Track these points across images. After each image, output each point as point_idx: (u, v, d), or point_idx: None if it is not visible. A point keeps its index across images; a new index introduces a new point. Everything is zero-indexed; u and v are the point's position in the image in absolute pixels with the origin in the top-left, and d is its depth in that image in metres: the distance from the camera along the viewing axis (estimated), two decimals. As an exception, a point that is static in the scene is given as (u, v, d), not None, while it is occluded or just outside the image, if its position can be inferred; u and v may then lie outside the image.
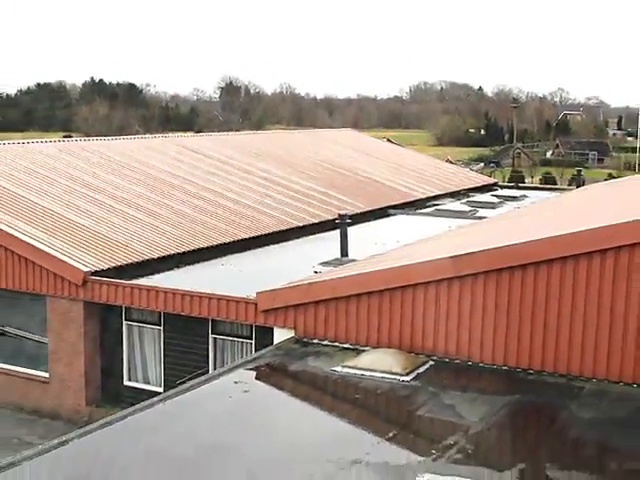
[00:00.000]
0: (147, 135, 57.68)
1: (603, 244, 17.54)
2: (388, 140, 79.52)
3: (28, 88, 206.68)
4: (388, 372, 18.19)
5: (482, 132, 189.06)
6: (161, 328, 26.39)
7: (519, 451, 15.02)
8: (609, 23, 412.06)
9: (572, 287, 17.92)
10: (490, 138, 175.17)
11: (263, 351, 20.55)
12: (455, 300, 18.97)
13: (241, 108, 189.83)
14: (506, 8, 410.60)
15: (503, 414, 16.36)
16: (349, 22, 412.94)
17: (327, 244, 31.95)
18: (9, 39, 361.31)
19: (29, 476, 13.44)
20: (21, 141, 40.87)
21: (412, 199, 46.67)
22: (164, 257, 29.00)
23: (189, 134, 61.64)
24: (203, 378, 18.66)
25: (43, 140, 42.33)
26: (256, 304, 22.20)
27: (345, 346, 20.16)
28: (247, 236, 33.21)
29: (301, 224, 36.48)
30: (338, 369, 18.63)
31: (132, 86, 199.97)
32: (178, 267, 28.91)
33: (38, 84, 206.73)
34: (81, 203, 31.78)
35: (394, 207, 43.86)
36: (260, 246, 32.89)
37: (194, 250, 30.35)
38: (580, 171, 63.26)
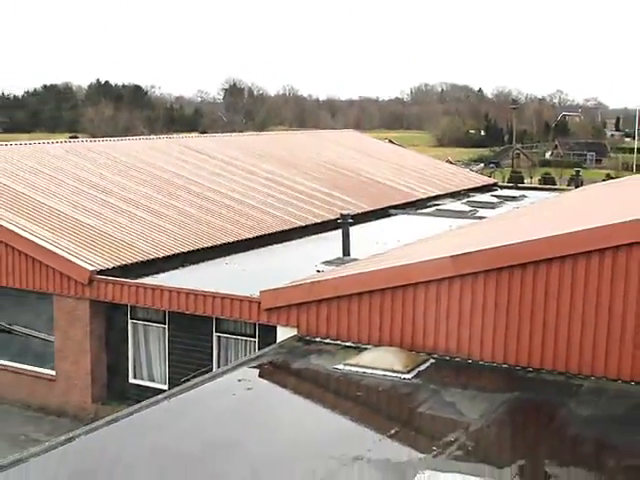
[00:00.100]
0: (152, 136, 57.66)
1: (601, 244, 17.54)
2: (389, 141, 79.47)
3: (35, 90, 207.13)
4: (389, 370, 18.20)
5: (482, 133, 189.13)
6: (166, 326, 26.39)
7: (518, 448, 15.02)
8: (607, 26, 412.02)
9: (571, 286, 17.92)
10: (490, 139, 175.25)
11: (266, 349, 20.56)
12: (455, 299, 18.97)
13: (245, 109, 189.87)
14: (506, 11, 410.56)
15: (503, 411, 16.36)
16: (351, 24, 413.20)
17: (329, 244, 31.95)
18: (16, 41, 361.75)
19: (36, 472, 13.47)
20: (28, 142, 40.89)
21: (413, 199, 46.65)
22: (169, 256, 29.00)
23: (193, 135, 61.63)
24: (207, 376, 18.68)
25: (50, 141, 42.37)
26: (259, 303, 22.20)
27: (347, 344, 20.16)
28: (251, 236, 33.22)
29: (304, 224, 36.48)
30: (340, 367, 18.63)
31: (137, 88, 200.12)
32: (183, 266, 28.91)
33: (45, 86, 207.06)
34: (87, 203, 31.79)
35: (395, 207, 43.85)
36: (263, 246, 32.89)
37: (198, 249, 30.35)
38: (578, 171, 63.24)
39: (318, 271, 26.12)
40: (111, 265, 26.94)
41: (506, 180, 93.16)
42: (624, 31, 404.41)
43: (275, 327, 21.59)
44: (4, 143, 39.73)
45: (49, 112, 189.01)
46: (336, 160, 50.98)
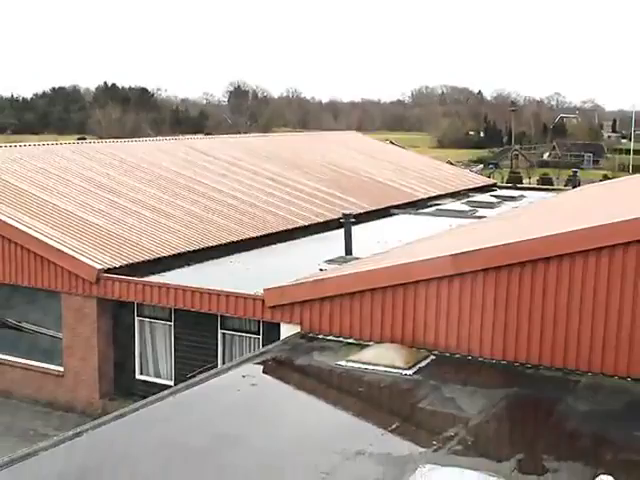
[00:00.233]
0: (158, 137, 57.65)
1: (598, 242, 17.54)
2: (391, 142, 79.55)
3: (44, 92, 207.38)
4: (391, 366, 18.20)
5: (481, 135, 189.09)
6: (172, 324, 26.41)
7: (517, 442, 15.01)
8: (604, 30, 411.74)
9: (568, 284, 17.92)
10: (489, 140, 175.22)
11: (270, 346, 20.57)
12: (455, 297, 18.97)
13: (249, 111, 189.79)
14: (506, 15, 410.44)
15: (502, 407, 16.36)
16: (353, 28, 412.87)
17: (332, 243, 31.93)
18: (25, 45, 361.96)
19: (45, 466, 13.49)
20: (37, 143, 40.87)
21: (414, 199, 46.64)
22: (175, 255, 29.01)
23: (199, 136, 61.53)
24: (212, 372, 18.68)
25: (58, 142, 42.39)
26: (263, 300, 22.21)
27: (349, 341, 20.16)
28: (255, 235, 33.22)
29: (307, 223, 36.47)
30: (342, 363, 18.64)
31: (144, 90, 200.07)
32: (188, 265, 28.91)
33: (53, 88, 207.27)
34: (95, 203, 31.81)
35: (397, 207, 43.84)
36: (267, 245, 32.88)
37: (203, 248, 30.36)
38: (576, 172, 63.05)
39: (321, 269, 26.12)
40: (118, 264, 26.96)
41: (505, 180, 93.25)
42: (620, 35, 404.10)
43: (279, 324, 21.59)
44: (14, 144, 39.79)
45: (57, 114, 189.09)
46: (338, 161, 50.97)
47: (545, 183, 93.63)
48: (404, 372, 18.00)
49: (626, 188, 35.49)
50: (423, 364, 18.57)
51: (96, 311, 26.79)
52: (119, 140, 46.40)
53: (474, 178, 61.59)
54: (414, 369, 18.20)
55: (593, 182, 67.40)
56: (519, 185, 71.16)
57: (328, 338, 20.46)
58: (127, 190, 34.51)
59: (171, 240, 29.93)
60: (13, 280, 28.17)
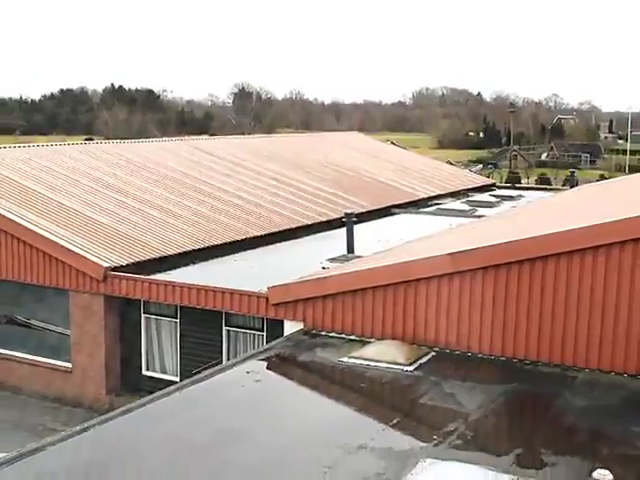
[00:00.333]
0: (164, 138, 57.66)
1: (595, 241, 17.54)
2: (392, 143, 79.46)
3: (52, 94, 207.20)
4: (392, 362, 18.20)
5: (481, 135, 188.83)
6: (177, 321, 26.41)
7: (516, 437, 15.02)
8: (601, 33, 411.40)
9: (566, 282, 17.92)
10: (488, 141, 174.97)
11: (274, 342, 20.57)
12: (455, 294, 18.97)
13: (253, 113, 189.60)
14: (505, 18, 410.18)
15: (501, 402, 16.36)
16: (355, 31, 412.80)
17: (334, 241, 31.95)
18: (33, 47, 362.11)
19: (53, 460, 13.51)
20: (45, 144, 40.88)
21: (415, 199, 46.62)
22: (180, 254, 29.03)
23: (204, 137, 61.47)
24: (217, 368, 18.69)
25: (66, 143, 42.41)
26: (267, 298, 22.23)
27: (351, 338, 20.16)
28: (259, 234, 33.23)
29: (309, 222, 36.47)
30: (345, 359, 18.64)
31: (150, 92, 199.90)
32: (193, 263, 28.92)
33: (61, 90, 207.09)
34: (102, 202, 31.82)
35: (398, 206, 43.82)
36: (271, 243, 32.89)
37: (209, 247, 30.37)
38: (574, 172, 63.04)
39: (323, 268, 26.12)
40: (125, 262, 26.98)
41: (504, 180, 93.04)
42: (617, 38, 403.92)
43: (282, 321, 21.60)
44: (22, 145, 39.82)
45: (65, 115, 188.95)
46: (340, 161, 50.96)
47: (543, 183, 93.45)
48: (405, 368, 18.00)
49: (622, 188, 35.46)
50: (424, 360, 18.57)
51: (103, 308, 26.81)
52: (126, 141, 46.40)
53: (473, 178, 61.55)
54: (415, 365, 18.20)
55: (590, 182, 67.34)
56: (518, 185, 71.02)
57: (331, 335, 20.46)
58: (134, 190, 34.52)
59: (177, 239, 29.95)
60: (22, 278, 28.20)
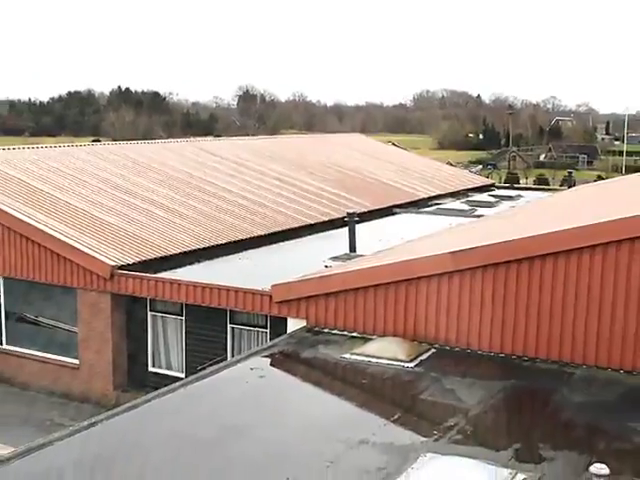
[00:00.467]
0: (170, 139, 57.67)
1: (592, 240, 17.53)
2: (393, 144, 79.28)
3: (60, 96, 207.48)
4: (393, 359, 18.20)
5: (480, 137, 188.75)
6: (183, 318, 26.40)
7: (514, 432, 15.02)
8: (599, 36, 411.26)
9: (564, 280, 17.91)
10: (487, 142, 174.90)
11: (277, 340, 20.57)
12: (455, 292, 18.96)
13: (257, 114, 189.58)
14: (504, 22, 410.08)
15: (500, 398, 16.35)
16: (358, 35, 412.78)
17: (336, 240, 31.92)
18: (42, 51, 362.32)
19: (61, 455, 13.51)
20: (53, 145, 40.88)
21: (415, 199, 46.58)
22: (185, 252, 29.02)
23: (209, 138, 61.58)
24: (222, 364, 18.69)
25: (74, 144, 42.40)
26: (271, 296, 22.22)
27: (353, 335, 20.16)
28: (262, 233, 33.21)
29: (312, 222, 36.45)
30: (347, 356, 18.63)
31: (156, 94, 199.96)
32: (198, 262, 28.91)
33: (69, 92, 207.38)
34: (109, 202, 31.82)
35: (399, 206, 43.79)
36: (274, 242, 32.87)
37: (213, 246, 30.36)
38: (571, 173, 63.02)
39: (326, 266, 26.11)
40: (131, 261, 26.98)
41: (503, 181, 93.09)
42: (614, 41, 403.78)
43: (286, 319, 21.59)
44: (31, 146, 39.81)
45: (73, 117, 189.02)
46: (343, 162, 50.93)
47: (541, 183, 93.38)
48: (406, 365, 18.00)
49: (619, 188, 35.44)
50: (424, 357, 18.56)
51: (110, 306, 26.81)
52: (132, 142, 46.40)
53: (473, 178, 61.48)
54: (415, 362, 18.19)
55: (587, 182, 67.23)
56: (516, 185, 71.03)
57: (333, 332, 20.46)
58: (140, 190, 34.51)
59: (182, 238, 29.94)
60: (30, 276, 28.22)
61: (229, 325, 25.50)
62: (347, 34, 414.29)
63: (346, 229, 30.60)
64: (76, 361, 27.92)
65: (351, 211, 31.67)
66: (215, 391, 16.86)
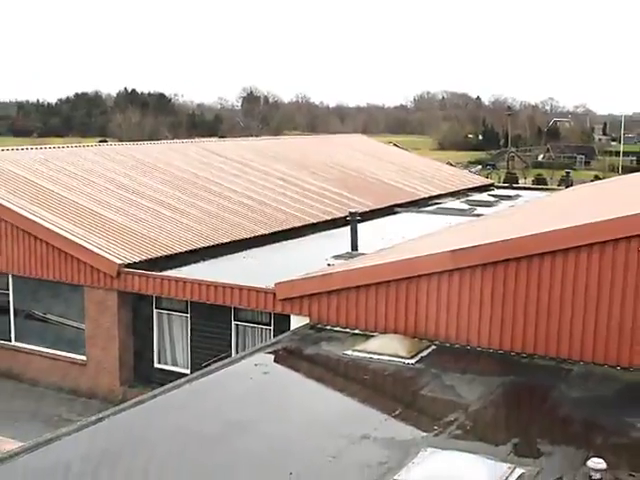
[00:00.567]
0: (175, 140, 57.67)
1: (590, 239, 17.52)
2: (394, 145, 79.25)
3: (67, 97, 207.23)
4: (394, 355, 18.20)
5: (480, 137, 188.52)
6: (188, 315, 26.42)
7: (513, 427, 15.01)
8: (596, 39, 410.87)
9: (561, 278, 17.90)
10: (487, 143, 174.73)
11: (281, 336, 20.57)
12: (455, 290, 18.96)
13: (261, 115, 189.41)
14: (503, 25, 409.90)
15: (499, 394, 16.35)
16: (359, 38, 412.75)
17: (339, 239, 31.91)
18: (49, 53, 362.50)
19: (69, 449, 13.52)
20: (61, 146, 40.90)
21: (416, 198, 46.55)
22: (191, 251, 29.03)
23: (213, 139, 61.49)
24: (226, 361, 18.68)
25: (81, 145, 42.42)
26: (274, 293, 22.22)
27: (355, 332, 20.15)
28: (266, 232, 33.21)
29: (315, 221, 36.45)
30: (349, 353, 18.63)
31: (162, 95, 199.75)
32: (203, 260, 28.92)
33: (76, 94, 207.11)
34: (115, 202, 31.84)
35: (400, 205, 43.77)
36: (278, 241, 32.87)
37: (218, 245, 30.37)
38: (569, 173, 62.90)
39: (329, 264, 26.11)
40: (137, 259, 26.99)
41: (502, 180, 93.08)
42: (611, 44, 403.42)
43: (289, 316, 21.59)
44: (39, 147, 39.84)
45: (80, 118, 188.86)
46: (345, 162, 50.92)
47: (540, 183, 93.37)
48: (407, 361, 17.99)
49: (616, 188, 35.42)
50: (425, 353, 18.56)
51: (117, 303, 26.83)
52: (138, 143, 46.41)
53: (473, 178, 61.46)
54: (416, 358, 18.19)
55: (585, 182, 67.19)
56: (515, 185, 70.99)
57: (335, 329, 20.46)
58: (146, 190, 34.53)
59: (187, 236, 29.96)
60: (39, 274, 28.25)
61: (233, 322, 25.50)
62: (349, 37, 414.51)
63: (348, 228, 30.58)
64: (83, 358, 27.95)
65: (353, 210, 31.67)
66: (220, 387, 16.87)
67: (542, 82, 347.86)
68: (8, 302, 29.64)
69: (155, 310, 27.02)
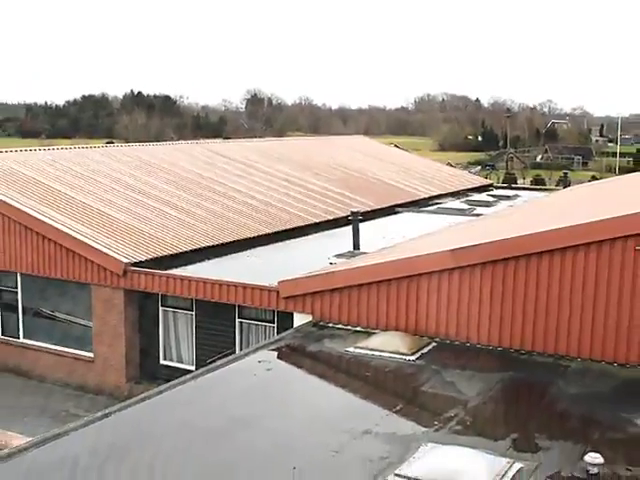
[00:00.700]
0: (181, 141, 57.69)
1: (587, 238, 17.54)
2: (395, 146, 79.20)
3: (74, 99, 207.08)
4: (395, 352, 18.21)
5: (479, 139, 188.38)
6: (193, 313, 26.41)
7: (512, 423, 15.03)
8: (593, 41, 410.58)
9: (559, 277, 17.92)
10: (486, 144, 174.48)
11: (284, 334, 20.59)
12: (455, 288, 18.97)
13: (264, 117, 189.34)
14: (502, 28, 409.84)
15: (498, 389, 16.36)
16: (361, 41, 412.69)
17: (341, 238, 31.90)
18: (57, 55, 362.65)
19: (76, 444, 13.54)
20: (69, 147, 40.91)
21: (417, 198, 46.52)
22: (196, 250, 29.02)
23: (218, 140, 61.53)
24: (230, 358, 18.71)
25: (88, 146, 42.43)
26: (278, 292, 22.23)
27: (357, 329, 20.18)
28: (270, 231, 33.19)
29: (318, 220, 36.43)
30: (351, 350, 18.65)
31: (167, 97, 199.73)
32: (208, 259, 28.90)
33: (83, 96, 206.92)
34: (122, 202, 31.84)
35: (401, 205, 43.74)
36: (281, 240, 32.85)
37: (222, 244, 30.36)
38: (567, 173, 62.86)
39: (331, 263, 26.10)
40: (143, 258, 26.99)
41: (501, 181, 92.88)
42: (608, 46, 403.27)
43: (292, 314, 21.62)
44: (47, 148, 39.86)
45: (87, 120, 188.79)
46: (347, 163, 50.91)
47: (538, 183, 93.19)
48: (408, 358, 18.01)
49: (613, 188, 35.41)
50: (425, 350, 18.58)
51: (123, 301, 26.83)
52: (144, 144, 46.40)
53: (472, 179, 61.42)
54: (417, 355, 18.21)
55: (582, 182, 67.24)
56: (514, 185, 70.88)
57: (338, 326, 20.48)
58: (152, 190, 34.52)
59: (192, 236, 29.95)
60: (47, 273, 28.26)
61: (237, 320, 25.50)
62: (351, 40, 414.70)
63: (350, 227, 30.56)
64: (90, 354, 27.95)
65: (355, 210, 31.64)
66: (224, 383, 16.88)
67: (540, 84, 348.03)
68: (17, 300, 29.67)
69: (161, 308, 27.02)
